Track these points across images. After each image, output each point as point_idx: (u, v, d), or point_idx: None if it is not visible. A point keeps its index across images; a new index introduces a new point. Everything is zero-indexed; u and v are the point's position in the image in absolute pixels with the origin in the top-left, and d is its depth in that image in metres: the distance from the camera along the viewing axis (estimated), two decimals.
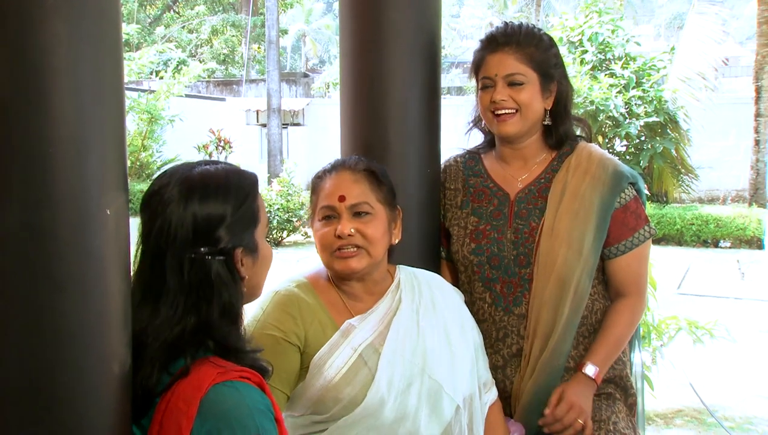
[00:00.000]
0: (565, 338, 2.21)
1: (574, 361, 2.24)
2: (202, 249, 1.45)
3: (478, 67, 2.30)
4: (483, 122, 2.38)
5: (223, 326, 1.46)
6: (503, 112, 2.24)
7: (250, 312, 1.88)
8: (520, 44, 2.23)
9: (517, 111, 2.24)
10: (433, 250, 2.38)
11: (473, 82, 2.37)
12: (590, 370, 2.19)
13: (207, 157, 15.80)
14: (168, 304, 1.43)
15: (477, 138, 2.49)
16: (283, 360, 1.87)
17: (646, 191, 2.44)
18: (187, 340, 1.43)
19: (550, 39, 2.32)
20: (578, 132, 2.41)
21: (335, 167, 2.02)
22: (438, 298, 2.09)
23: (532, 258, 2.24)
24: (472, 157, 2.45)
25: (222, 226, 1.47)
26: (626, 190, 2.27)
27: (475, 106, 2.39)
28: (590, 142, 2.41)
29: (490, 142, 2.44)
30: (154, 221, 1.46)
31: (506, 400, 2.27)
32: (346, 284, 1.99)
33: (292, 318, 1.90)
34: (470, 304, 2.32)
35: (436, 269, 2.36)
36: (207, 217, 1.46)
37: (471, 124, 2.45)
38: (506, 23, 2.33)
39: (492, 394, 2.17)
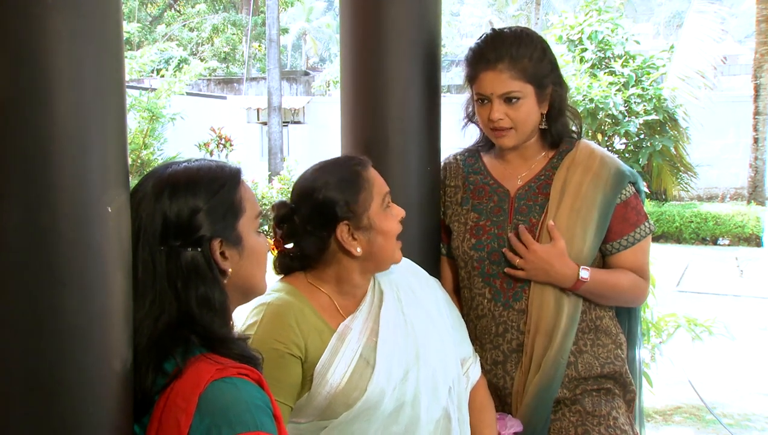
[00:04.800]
0: (568, 335, 2.22)
1: (574, 356, 2.25)
2: (176, 241, 1.44)
3: (471, 81, 2.28)
4: (473, 114, 2.38)
5: (204, 317, 1.44)
6: (501, 128, 2.24)
7: (244, 330, 1.85)
8: (513, 59, 2.19)
9: (512, 127, 2.24)
10: (433, 247, 2.39)
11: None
12: (584, 273, 2.20)
13: (208, 155, 15.84)
14: (142, 299, 1.43)
15: (474, 133, 2.48)
16: (286, 373, 1.84)
17: (645, 189, 2.45)
18: (172, 336, 1.42)
19: (543, 43, 2.28)
20: (572, 126, 2.41)
21: None
22: (414, 283, 2.09)
23: None
24: (472, 154, 2.46)
25: (194, 217, 1.45)
26: (627, 188, 2.28)
27: (468, 100, 2.38)
28: (580, 134, 2.42)
29: (489, 140, 2.44)
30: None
31: (506, 397, 2.28)
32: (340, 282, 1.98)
33: (291, 328, 1.85)
34: (470, 299, 2.34)
35: (437, 266, 2.37)
36: (177, 211, 1.45)
37: (465, 120, 2.44)
38: (495, 32, 2.28)
39: (475, 372, 2.18)
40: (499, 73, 2.20)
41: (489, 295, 2.30)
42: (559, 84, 2.30)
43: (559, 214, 2.24)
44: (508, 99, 2.21)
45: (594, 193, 2.25)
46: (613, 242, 2.28)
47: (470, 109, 2.40)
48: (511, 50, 2.20)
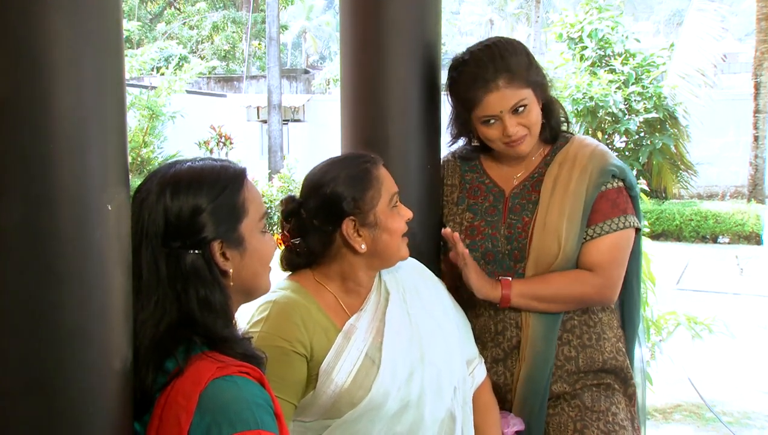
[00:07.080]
0: (554, 329, 2.23)
1: (576, 350, 2.26)
2: (176, 242, 1.44)
3: (473, 106, 2.22)
4: (464, 132, 2.38)
5: (206, 319, 1.44)
6: (518, 138, 2.22)
7: (249, 327, 1.86)
8: (510, 70, 2.17)
9: (527, 134, 2.22)
10: (434, 245, 2.38)
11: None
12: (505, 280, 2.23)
13: (208, 154, 15.85)
14: (145, 300, 1.43)
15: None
16: (290, 371, 1.83)
17: (645, 186, 2.44)
18: (174, 336, 1.42)
19: (523, 46, 2.27)
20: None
21: None
22: (419, 282, 2.09)
23: (525, 253, 2.25)
24: (470, 153, 2.46)
25: (196, 219, 1.45)
26: (610, 182, 2.26)
27: (452, 120, 2.37)
28: (567, 120, 2.41)
29: (484, 145, 2.41)
30: (131, 219, 1.46)
31: (507, 394, 2.28)
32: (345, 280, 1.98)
33: (296, 326, 1.85)
34: (468, 298, 2.34)
35: (437, 264, 2.37)
36: (178, 211, 1.45)
37: (452, 140, 2.43)
38: (478, 52, 2.23)
39: (480, 372, 2.18)
40: (503, 90, 2.17)
41: None
42: (543, 78, 2.29)
43: (549, 212, 2.24)
44: (516, 110, 2.19)
45: (581, 188, 2.24)
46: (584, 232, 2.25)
47: (455, 129, 2.39)
48: (506, 63, 2.18)
